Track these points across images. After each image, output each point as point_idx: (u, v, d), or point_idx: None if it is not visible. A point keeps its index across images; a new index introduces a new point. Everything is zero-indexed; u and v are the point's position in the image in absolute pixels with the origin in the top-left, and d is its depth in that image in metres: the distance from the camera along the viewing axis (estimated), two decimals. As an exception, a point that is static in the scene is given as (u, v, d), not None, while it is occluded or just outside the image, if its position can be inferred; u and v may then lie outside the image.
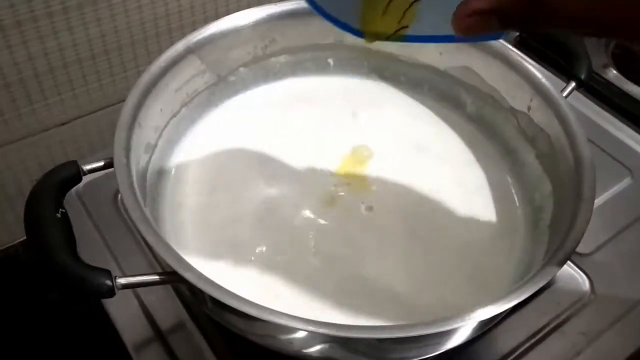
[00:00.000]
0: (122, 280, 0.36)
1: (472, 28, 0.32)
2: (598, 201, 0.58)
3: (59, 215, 0.37)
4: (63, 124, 0.65)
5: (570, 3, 0.30)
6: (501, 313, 0.38)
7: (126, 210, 0.39)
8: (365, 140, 0.54)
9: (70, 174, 0.40)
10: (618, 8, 0.29)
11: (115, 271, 0.36)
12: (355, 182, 0.51)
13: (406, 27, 0.38)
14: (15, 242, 0.67)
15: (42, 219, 0.36)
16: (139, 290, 0.50)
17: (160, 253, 0.36)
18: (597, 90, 0.68)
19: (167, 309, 0.49)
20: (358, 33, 0.40)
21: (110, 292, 0.35)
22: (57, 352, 0.58)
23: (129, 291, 0.49)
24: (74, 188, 0.55)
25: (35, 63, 0.59)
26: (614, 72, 0.71)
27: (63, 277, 0.35)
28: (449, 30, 0.34)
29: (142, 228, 0.37)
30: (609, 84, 0.69)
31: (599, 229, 0.56)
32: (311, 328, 0.34)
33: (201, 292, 0.35)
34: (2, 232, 0.67)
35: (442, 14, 0.34)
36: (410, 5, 0.37)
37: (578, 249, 0.53)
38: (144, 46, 0.65)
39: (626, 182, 0.60)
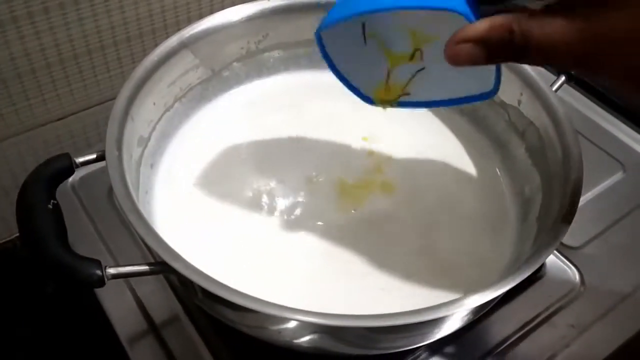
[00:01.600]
0: (112, 270, 0.36)
1: (460, 57, 0.33)
2: (589, 195, 0.58)
3: (50, 206, 0.38)
4: (59, 119, 0.66)
5: (553, 35, 0.31)
6: (489, 302, 0.38)
7: (118, 202, 0.39)
8: (358, 135, 0.54)
9: (62, 167, 0.41)
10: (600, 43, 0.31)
11: (109, 263, 0.37)
12: (346, 174, 0.51)
13: (408, 94, 0.43)
14: (13, 237, 0.68)
15: (33, 210, 0.37)
16: (133, 283, 0.50)
17: (149, 243, 0.36)
18: (589, 84, 0.68)
19: (161, 301, 0.50)
20: (367, 99, 0.45)
21: (100, 281, 0.35)
22: (51, 345, 0.58)
23: (122, 284, 0.50)
24: (70, 181, 0.56)
25: (32, 59, 0.60)
26: (607, 66, 0.71)
27: (53, 267, 0.35)
28: (445, 96, 0.42)
29: (132, 218, 0.37)
30: (602, 79, 0.69)
31: (590, 222, 0.56)
32: (298, 317, 0.35)
33: (191, 282, 0.36)
34: (1, 226, 0.67)
35: (440, 84, 0.41)
36: (413, 76, 0.42)
37: (568, 242, 0.54)
38: (140, 42, 0.66)
39: (618, 176, 0.60)
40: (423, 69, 0.41)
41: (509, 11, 0.33)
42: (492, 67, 0.38)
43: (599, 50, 0.31)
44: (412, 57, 0.41)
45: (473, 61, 0.33)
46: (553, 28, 0.31)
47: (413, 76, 0.42)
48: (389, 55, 0.42)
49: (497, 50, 0.33)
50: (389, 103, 0.44)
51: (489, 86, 0.40)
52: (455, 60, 0.34)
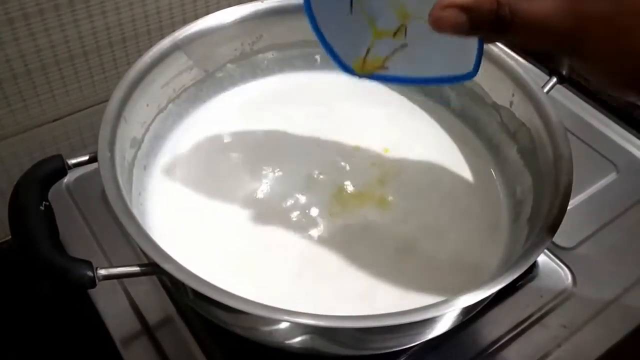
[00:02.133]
0: (103, 272, 0.36)
1: (444, 22, 0.33)
2: (582, 196, 0.58)
3: (42, 208, 0.38)
4: (55, 120, 0.66)
5: (539, 12, 0.31)
6: (480, 302, 0.38)
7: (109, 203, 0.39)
8: (352, 136, 0.55)
9: (54, 168, 0.41)
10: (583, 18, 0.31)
11: (103, 264, 0.37)
12: (340, 178, 0.51)
13: (387, 68, 0.42)
14: (8, 238, 0.68)
15: (25, 211, 0.37)
16: (127, 283, 0.50)
17: (140, 244, 0.37)
18: (583, 85, 0.68)
19: (154, 302, 0.50)
20: (345, 67, 0.44)
21: (91, 282, 0.36)
22: (45, 346, 0.59)
23: (116, 285, 0.50)
24: (64, 182, 0.56)
25: (27, 60, 0.60)
26: (601, 67, 0.71)
27: (45, 268, 0.35)
28: (423, 74, 0.42)
29: (124, 220, 0.38)
30: (596, 80, 0.69)
31: (583, 223, 0.56)
32: (288, 318, 0.35)
33: (182, 284, 0.36)
34: (-4, 226, 0.68)
35: (419, 62, 0.41)
36: (394, 52, 0.41)
37: (561, 243, 0.54)
38: (135, 43, 0.66)
39: (611, 177, 0.61)
40: (405, 45, 0.41)
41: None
42: (474, 47, 0.38)
43: (585, 32, 0.31)
44: (395, 33, 0.40)
45: (456, 28, 0.33)
46: (540, 5, 0.31)
47: (394, 51, 0.42)
48: (373, 27, 0.41)
49: (481, 21, 0.32)
50: (366, 74, 0.44)
51: (469, 68, 0.39)
52: (438, 24, 0.33)
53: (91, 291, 0.49)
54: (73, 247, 0.51)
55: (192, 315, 0.49)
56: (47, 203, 0.38)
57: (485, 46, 0.50)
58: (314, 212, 0.49)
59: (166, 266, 0.36)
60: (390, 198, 0.50)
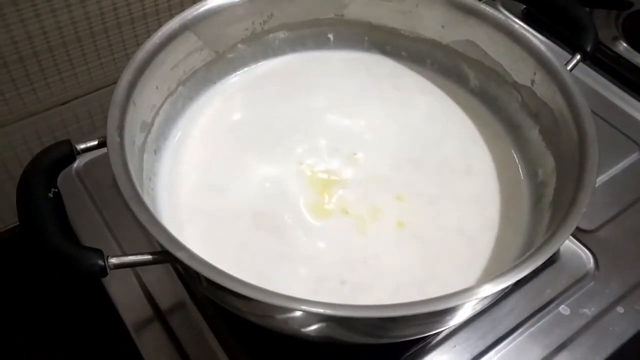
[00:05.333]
0: (114, 260, 0.35)
1: None
2: (604, 177, 0.57)
3: (51, 195, 0.37)
4: (64, 103, 0.65)
5: None
6: (504, 289, 0.37)
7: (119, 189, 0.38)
8: (367, 115, 0.53)
9: (63, 154, 0.40)
10: None
11: (115, 251, 0.36)
12: (356, 159, 0.50)
13: None
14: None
15: (33, 199, 0.36)
16: (139, 270, 0.50)
17: (152, 232, 0.36)
18: (606, 63, 0.67)
19: (167, 288, 0.49)
20: None
21: (102, 272, 0.35)
22: (58, 332, 0.58)
23: (128, 272, 0.49)
24: (74, 167, 0.55)
25: (34, 41, 0.59)
26: (624, 45, 0.69)
27: (54, 257, 0.35)
28: None
29: (134, 207, 0.37)
30: (618, 57, 0.67)
31: (604, 205, 0.55)
32: (303, 307, 0.34)
33: (195, 271, 0.35)
34: (7, 211, 0.67)
35: None
36: None
37: (582, 226, 0.53)
38: (144, 24, 0.65)
39: (634, 157, 0.59)
40: None
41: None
42: None
43: None
44: None
45: None
46: None
47: None
48: None
49: None
50: None
51: None
52: None
53: (103, 278, 0.48)
54: (84, 234, 0.51)
55: (205, 301, 0.48)
56: (56, 190, 0.37)
57: (506, 23, 0.48)
58: (342, 197, 0.48)
59: (179, 254, 0.35)
60: (407, 182, 0.49)
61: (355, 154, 0.50)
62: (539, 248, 0.38)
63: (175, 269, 0.50)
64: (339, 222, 0.46)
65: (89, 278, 0.35)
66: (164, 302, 0.48)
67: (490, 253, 0.46)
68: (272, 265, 0.44)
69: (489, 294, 0.36)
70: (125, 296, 0.48)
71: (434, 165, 0.50)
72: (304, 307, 0.34)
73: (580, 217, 0.38)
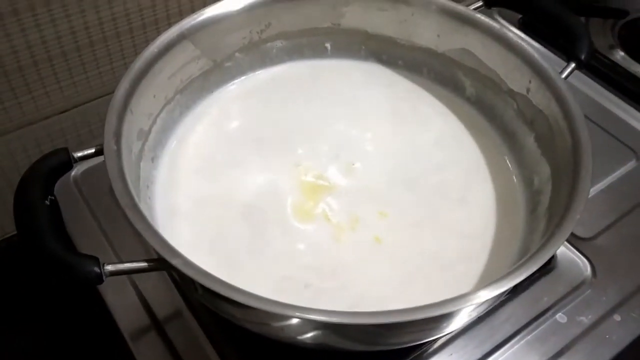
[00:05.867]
0: (110, 267, 0.36)
1: None
2: (601, 185, 0.57)
3: (47, 202, 0.37)
4: (62, 112, 0.65)
5: None
6: (497, 296, 0.37)
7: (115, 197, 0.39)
8: (364, 124, 0.54)
9: (60, 162, 0.40)
10: None
11: (112, 259, 0.36)
12: (353, 168, 0.50)
13: None
14: (19, 230, 0.68)
15: (30, 206, 0.36)
16: (136, 279, 0.50)
17: (147, 239, 0.36)
18: (603, 71, 0.67)
19: (163, 296, 0.49)
20: None
21: (98, 279, 0.35)
22: (54, 340, 0.58)
23: (125, 280, 0.49)
24: (71, 175, 0.55)
25: (34, 51, 0.59)
26: (621, 53, 0.69)
27: (51, 264, 0.35)
28: None
29: (130, 214, 0.37)
30: (615, 65, 0.68)
31: (602, 212, 0.55)
32: (299, 314, 0.34)
33: (190, 279, 0.35)
34: (6, 219, 0.67)
35: None
36: None
37: (579, 233, 0.53)
38: (142, 33, 0.65)
39: (631, 164, 0.59)
40: None
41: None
42: None
43: None
44: None
45: None
46: None
47: None
48: None
49: None
50: None
51: None
52: None
53: (100, 286, 0.48)
54: (80, 241, 0.51)
55: (202, 309, 0.48)
56: (53, 197, 0.38)
57: (501, 32, 0.49)
58: (328, 204, 0.48)
59: (174, 261, 0.35)
60: (402, 189, 0.49)
61: (354, 164, 0.51)
62: (534, 254, 0.38)
63: (172, 277, 0.50)
64: (319, 227, 0.47)
65: (85, 285, 0.35)
66: (161, 311, 0.48)
67: (486, 261, 0.46)
68: (244, 256, 0.44)
69: (485, 299, 0.36)
70: (122, 304, 0.48)
71: (428, 173, 0.50)
72: (298, 314, 0.34)
73: (574, 223, 0.39)
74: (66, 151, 0.41)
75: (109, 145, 0.40)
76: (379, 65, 0.58)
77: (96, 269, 0.35)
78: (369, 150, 0.52)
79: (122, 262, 0.36)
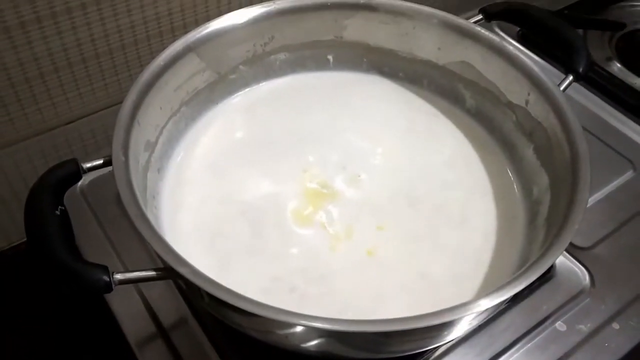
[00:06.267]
0: (119, 276, 0.36)
1: None
2: (599, 195, 0.58)
3: (57, 212, 0.38)
4: (69, 123, 0.66)
5: None
6: (497, 305, 0.38)
7: (124, 207, 0.39)
8: (366, 135, 0.54)
9: (69, 172, 0.41)
10: None
11: (118, 268, 0.37)
12: (355, 179, 0.51)
13: None
14: (24, 240, 0.68)
15: (40, 216, 0.37)
16: (142, 286, 0.50)
17: (155, 248, 0.37)
18: (601, 83, 0.68)
19: (169, 305, 0.50)
20: None
21: (107, 287, 0.36)
22: (61, 348, 0.59)
23: (131, 288, 0.50)
24: (78, 186, 0.56)
25: (41, 63, 0.60)
26: (618, 65, 0.70)
27: (61, 273, 0.35)
28: None
29: (138, 224, 0.37)
30: (612, 77, 0.69)
31: (600, 222, 0.56)
32: (304, 322, 0.35)
33: (197, 287, 0.36)
34: (12, 229, 0.68)
35: None
36: None
37: (578, 243, 0.54)
38: (147, 45, 0.66)
39: (628, 175, 0.60)
40: None
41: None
42: None
43: None
44: None
45: None
46: None
47: None
48: None
49: None
50: None
51: None
52: None
53: (107, 294, 0.49)
54: (87, 251, 0.51)
55: (207, 317, 0.49)
56: (63, 207, 0.38)
57: (500, 45, 0.50)
58: (328, 212, 0.49)
59: (182, 270, 0.35)
60: (404, 200, 0.50)
61: (359, 176, 0.51)
62: (534, 263, 0.38)
63: (178, 286, 0.51)
64: (315, 234, 0.48)
65: (94, 293, 0.36)
66: (167, 319, 0.49)
67: (486, 270, 0.46)
68: (238, 254, 0.46)
69: (485, 308, 0.37)
70: (128, 312, 0.49)
71: (429, 184, 0.51)
72: (304, 322, 0.35)
73: (573, 233, 0.39)
74: (75, 162, 0.41)
75: (118, 157, 0.41)
76: (380, 77, 0.59)
77: (105, 278, 0.36)
78: (377, 163, 0.52)
79: (130, 271, 0.37)
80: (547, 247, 0.40)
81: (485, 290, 0.44)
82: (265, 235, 0.47)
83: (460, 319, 0.38)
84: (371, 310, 0.43)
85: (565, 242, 0.39)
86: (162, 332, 0.48)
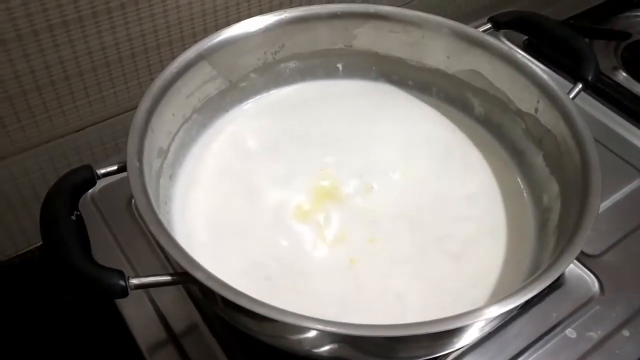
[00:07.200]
0: (135, 281, 0.36)
1: None
2: (607, 203, 0.58)
3: (73, 217, 0.38)
4: (78, 130, 0.66)
5: None
6: (508, 312, 0.38)
7: (139, 213, 0.40)
8: (375, 143, 0.55)
9: (84, 178, 0.41)
10: None
11: (130, 274, 0.37)
12: (368, 189, 0.51)
13: None
14: (32, 247, 0.69)
15: (57, 221, 0.37)
16: (153, 293, 0.51)
17: (171, 253, 0.37)
18: (607, 92, 0.69)
19: (180, 311, 0.50)
20: None
21: (123, 292, 0.36)
22: (72, 354, 0.59)
23: (142, 294, 0.50)
24: (90, 192, 0.56)
25: (52, 71, 0.60)
26: (624, 74, 0.71)
27: (77, 278, 0.36)
28: None
29: (154, 229, 0.38)
30: (618, 86, 0.69)
31: (608, 230, 0.56)
32: (319, 327, 0.35)
33: (211, 292, 0.36)
34: (20, 237, 0.68)
35: None
36: None
37: (587, 251, 0.54)
38: (157, 54, 0.66)
39: (636, 183, 0.60)
40: None
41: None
42: None
43: None
44: None
45: None
46: None
47: None
48: None
49: None
50: None
51: None
52: None
53: (118, 300, 0.49)
54: (99, 257, 0.51)
55: (218, 323, 0.49)
56: (78, 213, 0.39)
57: (509, 53, 0.51)
58: (329, 214, 0.49)
59: (197, 275, 0.36)
60: (413, 207, 0.50)
61: (372, 186, 0.52)
62: (545, 271, 0.39)
63: (189, 292, 0.51)
64: (307, 230, 0.48)
65: (110, 298, 0.36)
66: (178, 325, 0.49)
67: (497, 278, 0.46)
68: (230, 229, 0.48)
69: (496, 315, 0.37)
70: (140, 319, 0.49)
71: (438, 192, 0.51)
72: (320, 327, 0.35)
73: (585, 241, 0.40)
74: (90, 168, 0.42)
75: (132, 163, 0.42)
76: (389, 86, 0.59)
77: (122, 283, 0.36)
78: (395, 179, 0.52)
79: (145, 275, 0.37)
80: (558, 254, 0.40)
81: (503, 286, 0.45)
82: (257, 217, 0.48)
83: (471, 325, 0.38)
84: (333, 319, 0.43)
85: (576, 249, 0.39)
86: (173, 338, 0.48)
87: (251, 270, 0.45)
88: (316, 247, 0.47)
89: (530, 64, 0.50)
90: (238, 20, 0.53)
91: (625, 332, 0.49)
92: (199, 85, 0.51)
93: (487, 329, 0.43)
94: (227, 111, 0.56)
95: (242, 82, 0.55)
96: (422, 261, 0.47)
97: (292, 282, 0.45)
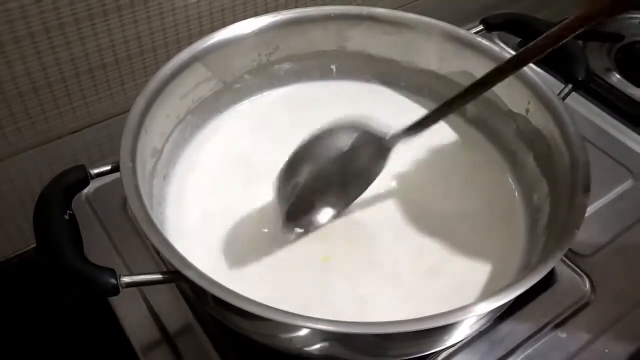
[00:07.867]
0: (126, 279, 0.37)
1: None
2: (599, 203, 0.58)
3: (66, 217, 0.38)
4: (74, 132, 0.67)
5: None
6: (497, 309, 0.38)
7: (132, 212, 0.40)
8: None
9: (78, 178, 0.41)
10: None
11: (123, 273, 0.37)
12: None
13: None
14: (29, 248, 0.69)
15: (50, 220, 0.38)
16: (146, 292, 0.51)
17: (162, 252, 0.37)
18: (600, 93, 0.69)
19: (174, 310, 0.50)
20: None
21: (115, 290, 0.36)
22: (66, 354, 0.59)
23: (136, 293, 0.51)
24: (84, 192, 0.57)
25: (48, 73, 0.61)
26: (617, 76, 0.71)
27: (70, 276, 0.36)
28: None
29: (146, 228, 0.38)
30: (611, 88, 0.70)
31: (600, 230, 0.56)
32: (309, 324, 0.35)
33: (203, 290, 0.37)
34: (16, 238, 0.69)
35: None
36: None
37: (579, 250, 0.54)
38: (153, 56, 0.67)
39: (628, 183, 0.60)
40: None
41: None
42: None
43: None
44: None
45: None
46: None
47: None
48: None
49: None
50: None
51: None
52: None
53: (112, 299, 0.49)
54: (93, 256, 0.51)
55: (211, 323, 0.49)
56: (71, 212, 0.39)
57: (501, 55, 0.51)
58: (332, 219, 0.49)
59: (189, 273, 0.36)
60: (405, 208, 0.50)
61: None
62: (533, 268, 0.39)
63: (182, 292, 0.51)
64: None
65: (102, 295, 0.36)
66: (171, 325, 0.49)
67: (487, 277, 0.47)
68: (224, 229, 0.48)
69: (485, 311, 0.37)
70: (133, 318, 0.49)
71: (431, 192, 0.52)
72: (310, 325, 0.35)
73: (574, 237, 0.40)
74: (83, 168, 0.42)
75: (125, 163, 0.42)
76: (382, 87, 0.60)
77: (113, 281, 0.36)
78: (393, 185, 0.52)
79: (137, 273, 0.38)
80: (547, 251, 0.40)
81: (493, 286, 0.45)
82: (247, 199, 0.49)
83: (461, 322, 0.38)
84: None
85: (565, 246, 0.40)
86: (166, 337, 0.49)
87: (225, 249, 0.46)
88: (294, 243, 0.48)
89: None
90: (234, 21, 0.54)
91: (616, 332, 0.50)
92: (193, 86, 0.52)
93: (478, 327, 0.44)
94: (222, 112, 0.56)
95: (237, 83, 0.56)
96: (392, 270, 0.47)
97: (258, 271, 0.46)
